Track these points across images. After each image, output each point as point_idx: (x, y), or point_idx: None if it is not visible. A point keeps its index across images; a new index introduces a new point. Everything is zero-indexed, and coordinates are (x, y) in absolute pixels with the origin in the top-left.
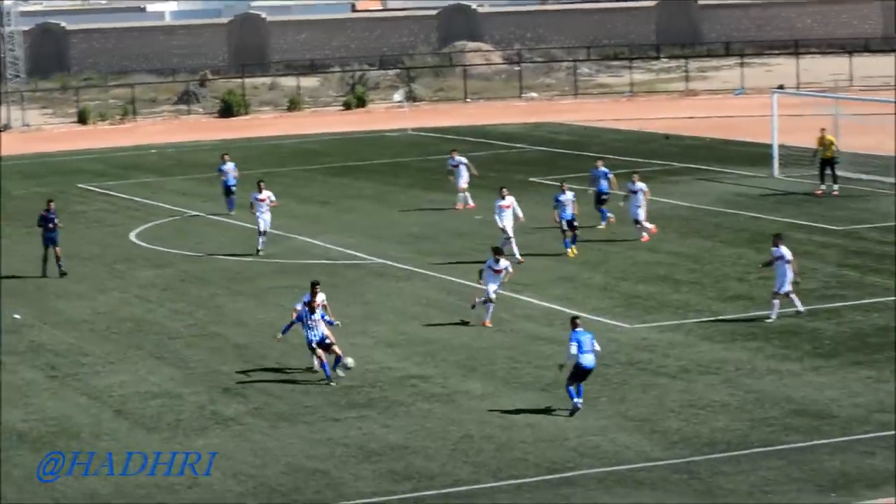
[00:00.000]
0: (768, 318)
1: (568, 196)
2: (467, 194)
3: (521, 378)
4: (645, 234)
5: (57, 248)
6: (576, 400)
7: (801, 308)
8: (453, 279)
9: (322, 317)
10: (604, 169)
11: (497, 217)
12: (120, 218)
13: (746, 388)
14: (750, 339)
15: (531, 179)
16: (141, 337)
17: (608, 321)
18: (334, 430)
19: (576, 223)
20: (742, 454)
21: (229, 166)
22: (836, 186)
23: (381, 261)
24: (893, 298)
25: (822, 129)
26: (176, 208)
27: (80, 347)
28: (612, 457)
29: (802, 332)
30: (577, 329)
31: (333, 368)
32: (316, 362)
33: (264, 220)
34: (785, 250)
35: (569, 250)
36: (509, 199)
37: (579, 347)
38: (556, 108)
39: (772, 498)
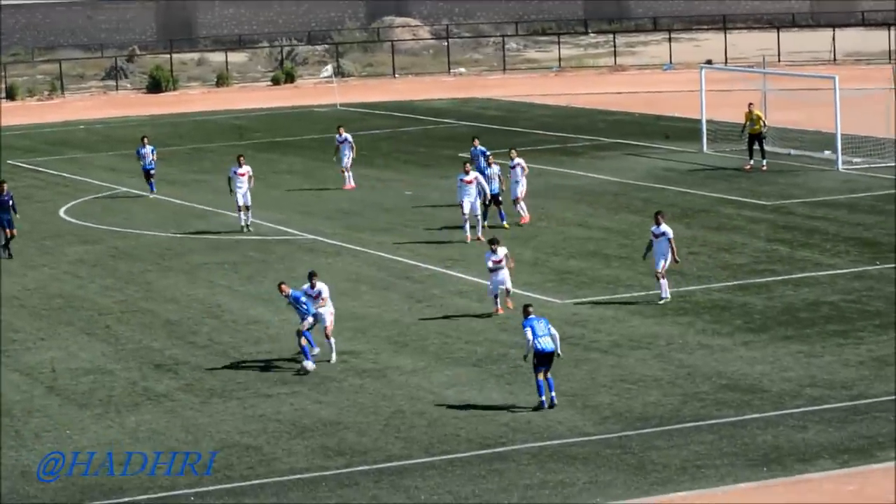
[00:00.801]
0: (661, 298)
1: (494, 170)
2: (350, 174)
3: (453, 353)
4: (524, 214)
5: (13, 231)
6: (542, 398)
7: (665, 294)
8: (383, 255)
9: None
10: (481, 147)
11: (459, 193)
12: (49, 194)
13: (678, 362)
14: (680, 314)
15: (460, 155)
16: (71, 313)
17: (539, 296)
18: (266, 406)
19: (500, 198)
20: (674, 428)
21: (147, 150)
22: (764, 161)
23: (311, 236)
24: (823, 273)
25: (750, 104)
26: (104, 184)
27: (10, 324)
28: (545, 431)
29: (733, 307)
30: (530, 316)
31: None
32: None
33: (243, 195)
34: (666, 228)
35: (504, 223)
36: (473, 175)
37: (534, 333)
38: (484, 83)
39: (704, 472)
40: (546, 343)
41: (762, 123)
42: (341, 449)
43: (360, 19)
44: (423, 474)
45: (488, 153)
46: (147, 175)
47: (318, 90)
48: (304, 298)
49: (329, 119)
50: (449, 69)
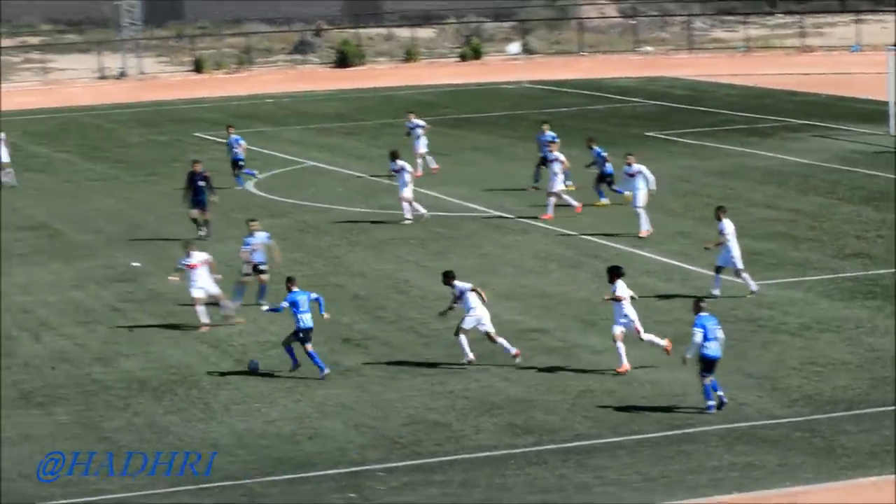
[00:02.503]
0: (751, 292)
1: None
2: (428, 158)
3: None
4: (575, 203)
5: (206, 212)
6: (710, 402)
7: (753, 287)
8: (570, 232)
9: None
10: (551, 133)
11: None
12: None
13: (867, 346)
14: (870, 298)
15: (647, 134)
16: (274, 296)
17: (726, 278)
18: (454, 383)
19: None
20: (863, 413)
21: (234, 139)
22: None
23: (497, 213)
24: None
25: None
26: (292, 158)
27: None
28: (733, 414)
29: None
30: (702, 313)
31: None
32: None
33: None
34: (727, 223)
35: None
36: (636, 167)
37: (704, 335)
38: (670, 62)
39: (893, 457)
40: (713, 350)
41: None
42: (529, 427)
43: None
44: (611, 454)
45: (557, 139)
46: (235, 165)
47: (504, 67)
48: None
49: (516, 96)
50: (635, 48)
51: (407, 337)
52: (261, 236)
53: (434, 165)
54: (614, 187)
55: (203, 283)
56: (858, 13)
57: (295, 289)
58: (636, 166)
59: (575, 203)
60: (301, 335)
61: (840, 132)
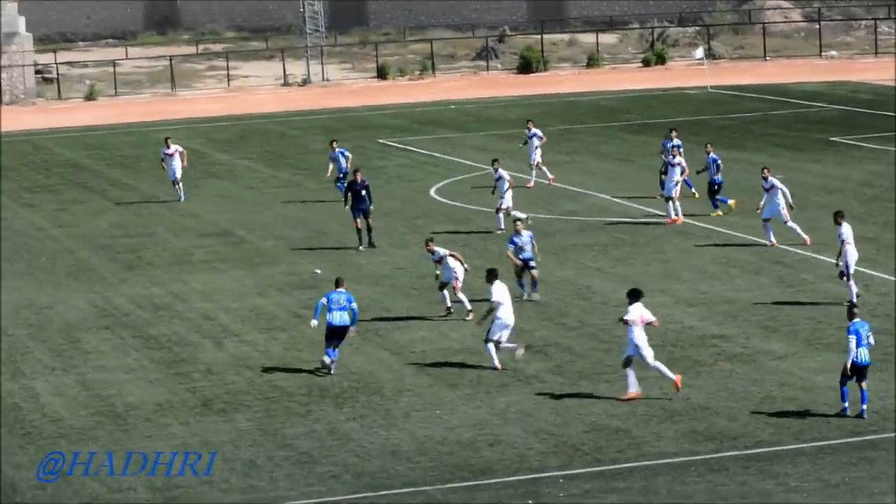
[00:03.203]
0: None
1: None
2: (543, 168)
3: (824, 339)
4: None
5: (368, 220)
6: (845, 405)
7: (854, 293)
8: (752, 238)
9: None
10: (677, 141)
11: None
12: (419, 173)
13: None
14: None
15: (831, 139)
16: (441, 294)
17: (867, 272)
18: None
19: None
20: None
21: (338, 152)
22: None
23: (684, 219)
24: None
25: None
26: (475, 164)
27: (381, 303)
28: None
29: None
30: (856, 319)
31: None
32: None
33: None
34: (846, 228)
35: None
36: (772, 180)
37: (858, 341)
38: (855, 66)
39: None
40: (863, 356)
41: None
42: (710, 434)
43: (731, 1)
44: (792, 461)
45: (681, 147)
46: (339, 180)
47: (688, 72)
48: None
49: (699, 101)
50: (820, 52)
51: (589, 343)
52: (527, 235)
53: (550, 176)
54: (717, 197)
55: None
56: None
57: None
58: (771, 179)
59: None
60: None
61: None
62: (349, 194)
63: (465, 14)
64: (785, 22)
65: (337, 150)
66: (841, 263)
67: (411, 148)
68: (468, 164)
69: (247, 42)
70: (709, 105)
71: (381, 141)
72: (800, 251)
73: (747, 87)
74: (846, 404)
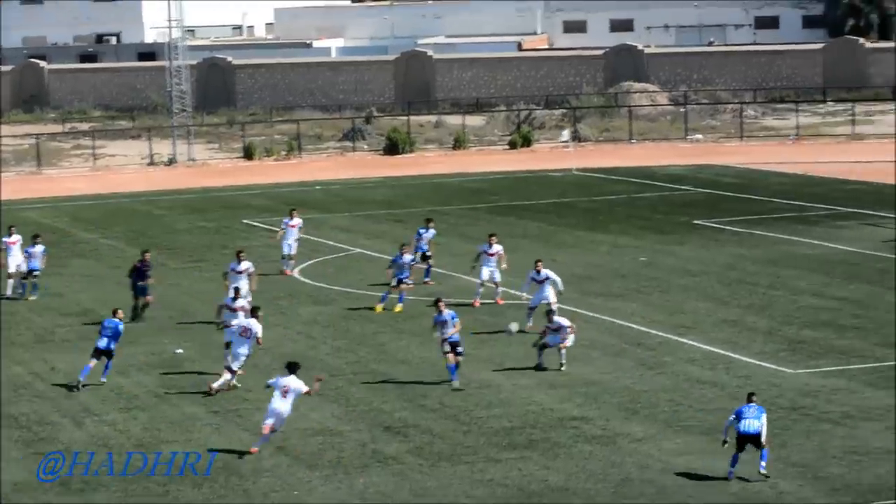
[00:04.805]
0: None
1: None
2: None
3: (683, 421)
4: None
5: (148, 298)
6: (731, 470)
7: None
8: (615, 321)
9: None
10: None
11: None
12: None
13: None
14: None
15: (695, 222)
16: (303, 374)
17: (772, 366)
18: (495, 471)
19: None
20: None
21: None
22: None
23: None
24: None
25: None
26: (340, 245)
27: (242, 383)
28: (774, 503)
29: None
30: (751, 403)
31: None
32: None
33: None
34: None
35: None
36: (497, 248)
37: (738, 416)
38: (721, 150)
39: None
40: (746, 426)
41: None
42: None
43: (597, 84)
44: None
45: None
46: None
47: (554, 154)
48: None
49: (565, 184)
50: (686, 135)
51: (449, 425)
52: (447, 313)
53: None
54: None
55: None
56: None
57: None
58: (544, 272)
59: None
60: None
61: (890, 220)
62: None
63: (332, 95)
64: (651, 105)
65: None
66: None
67: (276, 228)
68: (332, 244)
69: (114, 121)
70: (574, 187)
71: (245, 221)
72: (661, 333)
73: (613, 170)
74: (732, 468)
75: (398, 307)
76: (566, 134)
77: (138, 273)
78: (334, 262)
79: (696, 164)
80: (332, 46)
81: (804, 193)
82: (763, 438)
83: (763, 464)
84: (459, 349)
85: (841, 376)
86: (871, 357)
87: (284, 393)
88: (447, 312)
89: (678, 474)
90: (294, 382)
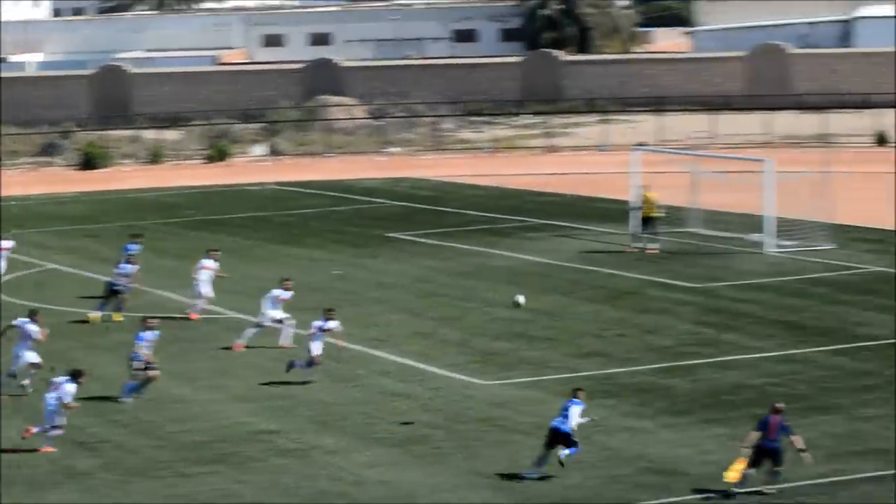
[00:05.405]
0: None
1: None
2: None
3: (376, 434)
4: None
5: None
6: (533, 471)
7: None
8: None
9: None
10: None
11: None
12: None
13: (600, 445)
14: (605, 397)
15: (389, 235)
16: None
17: (464, 377)
18: (187, 486)
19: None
20: None
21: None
22: (654, 245)
23: (238, 315)
24: (748, 356)
25: (644, 187)
26: (32, 260)
27: None
28: None
29: (657, 389)
30: (574, 398)
31: None
32: None
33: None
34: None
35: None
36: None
37: (562, 411)
38: (417, 162)
39: None
40: (557, 421)
41: (655, 207)
42: None
43: (295, 98)
44: None
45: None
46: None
47: (251, 168)
48: None
49: (262, 198)
50: (382, 148)
51: (142, 440)
52: (151, 334)
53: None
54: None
55: None
56: (605, 113)
57: None
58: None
59: None
60: None
61: (582, 231)
62: None
63: (30, 110)
64: (348, 119)
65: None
66: None
67: None
68: (25, 260)
69: None
70: (271, 201)
71: None
72: (354, 346)
73: (309, 184)
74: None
75: (117, 315)
76: (262, 148)
77: None
78: (29, 278)
79: (392, 178)
80: (27, 61)
81: (498, 206)
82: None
83: (564, 452)
84: (152, 366)
85: (533, 387)
86: (563, 368)
87: None
88: (150, 333)
89: (371, 486)
90: None
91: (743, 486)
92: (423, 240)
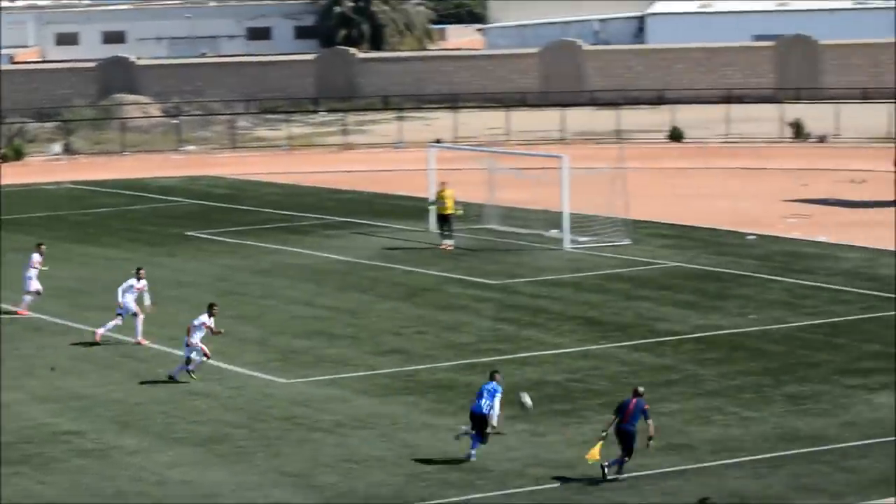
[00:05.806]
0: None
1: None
2: None
3: (176, 433)
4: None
5: None
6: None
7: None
8: (110, 334)
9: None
10: None
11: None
12: None
13: (402, 442)
14: (406, 394)
15: (187, 233)
16: None
17: (264, 376)
18: None
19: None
20: None
21: None
22: (449, 242)
23: (37, 315)
24: (548, 352)
25: (443, 184)
26: None
27: None
28: None
29: (458, 386)
30: (492, 381)
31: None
32: None
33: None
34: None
35: None
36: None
37: (479, 394)
38: (213, 161)
39: None
40: (476, 405)
41: (453, 204)
42: None
43: (90, 96)
44: None
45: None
46: None
47: (46, 167)
48: None
49: (57, 197)
50: (178, 147)
51: None
52: None
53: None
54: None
55: None
56: (401, 110)
57: None
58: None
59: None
60: None
61: (380, 229)
62: None
63: None
64: (144, 117)
65: None
66: None
67: None
68: None
69: None
70: (66, 201)
71: None
72: (154, 345)
73: (105, 182)
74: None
75: None
76: (58, 147)
77: None
78: None
79: (188, 176)
80: None
81: (295, 203)
82: (493, 421)
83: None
84: None
85: (333, 385)
86: (363, 365)
87: None
88: None
89: (172, 486)
90: None
91: (609, 463)
92: (221, 238)
